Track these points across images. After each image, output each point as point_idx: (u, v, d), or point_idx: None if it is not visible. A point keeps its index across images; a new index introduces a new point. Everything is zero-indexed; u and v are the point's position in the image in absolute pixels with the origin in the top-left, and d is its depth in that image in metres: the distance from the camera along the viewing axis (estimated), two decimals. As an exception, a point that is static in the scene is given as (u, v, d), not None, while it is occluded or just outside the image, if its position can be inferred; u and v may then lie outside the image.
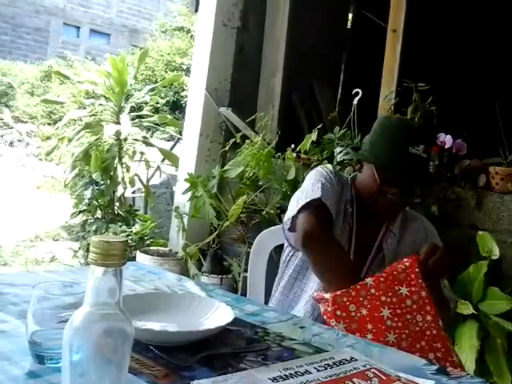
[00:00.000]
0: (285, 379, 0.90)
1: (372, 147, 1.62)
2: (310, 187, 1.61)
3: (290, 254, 1.70)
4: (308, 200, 1.57)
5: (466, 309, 2.42)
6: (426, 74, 3.19)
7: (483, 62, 4.77)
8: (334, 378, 0.93)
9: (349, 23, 5.39)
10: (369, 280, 1.37)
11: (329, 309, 1.37)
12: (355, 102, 3.22)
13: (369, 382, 0.93)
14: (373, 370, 0.97)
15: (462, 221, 2.83)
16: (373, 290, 1.35)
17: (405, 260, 1.40)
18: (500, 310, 2.41)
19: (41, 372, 0.88)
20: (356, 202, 1.65)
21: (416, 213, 1.79)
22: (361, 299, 1.35)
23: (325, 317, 1.38)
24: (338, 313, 1.35)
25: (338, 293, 1.36)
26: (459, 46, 4.72)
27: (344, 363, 0.99)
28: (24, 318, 0.96)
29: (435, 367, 1.07)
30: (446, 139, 2.94)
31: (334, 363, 0.99)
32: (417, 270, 1.37)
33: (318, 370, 0.95)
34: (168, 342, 1.02)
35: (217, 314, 1.16)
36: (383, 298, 1.34)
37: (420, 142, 1.53)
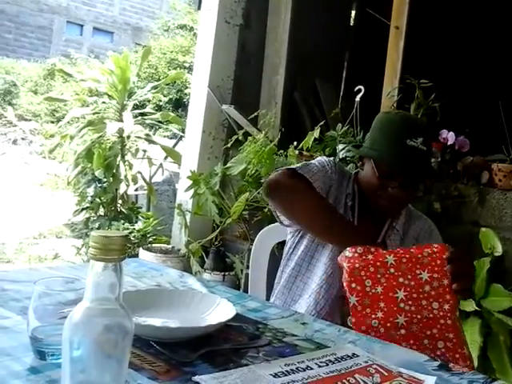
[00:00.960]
0: (286, 375, 0.90)
1: (371, 143, 1.62)
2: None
3: (292, 247, 1.69)
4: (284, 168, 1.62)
5: (469, 305, 2.42)
6: (428, 71, 3.19)
7: (486, 58, 4.76)
8: (335, 373, 0.93)
9: (351, 20, 5.38)
10: (390, 258, 1.33)
11: (347, 277, 1.36)
12: (358, 98, 3.22)
13: (370, 377, 0.93)
14: (374, 366, 0.97)
15: (465, 217, 2.83)
16: (392, 270, 1.32)
17: (434, 245, 1.36)
18: (503, 306, 2.41)
19: (42, 368, 0.88)
20: (358, 198, 1.64)
21: (421, 213, 1.77)
22: (378, 276, 1.32)
23: (344, 284, 1.36)
24: (353, 285, 1.33)
25: (357, 265, 1.33)
26: (462, 42, 4.71)
27: (346, 359, 0.99)
28: (25, 314, 0.97)
29: (437, 363, 1.07)
30: (449, 136, 2.94)
31: (336, 359, 0.99)
32: (444, 256, 1.32)
33: (320, 366, 0.95)
34: (169, 338, 1.02)
35: (218, 310, 1.16)
36: (401, 280, 1.32)
37: (418, 135, 1.51)
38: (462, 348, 1.33)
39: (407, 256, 1.33)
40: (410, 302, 1.31)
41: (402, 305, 1.31)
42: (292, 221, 1.62)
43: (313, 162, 1.65)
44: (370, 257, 1.35)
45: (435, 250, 1.34)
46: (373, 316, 1.31)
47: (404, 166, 1.52)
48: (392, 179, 1.53)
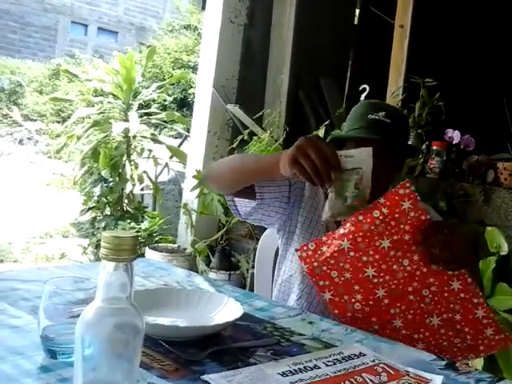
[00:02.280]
0: (294, 374, 0.91)
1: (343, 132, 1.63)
2: None
3: (281, 249, 1.67)
4: None
5: (475, 304, 2.42)
6: (433, 70, 3.19)
7: (491, 57, 4.74)
8: (342, 372, 0.94)
9: (356, 19, 5.38)
10: (345, 243, 1.26)
11: (311, 278, 1.31)
12: (362, 98, 3.22)
13: (377, 376, 0.93)
14: (381, 365, 0.97)
15: (470, 216, 2.83)
16: (352, 253, 1.27)
17: (384, 200, 1.24)
18: (509, 305, 2.40)
19: (53, 366, 0.89)
20: None
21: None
22: (341, 264, 1.28)
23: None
24: (321, 283, 1.29)
25: (315, 264, 1.28)
26: (467, 41, 4.70)
27: (353, 358, 1.00)
28: (35, 314, 0.98)
29: (444, 362, 1.07)
30: (454, 135, 2.94)
31: (343, 358, 0.99)
32: (397, 210, 1.24)
33: (327, 365, 0.96)
34: (178, 337, 1.03)
35: (226, 309, 1.17)
36: (365, 259, 1.27)
37: (380, 110, 1.50)
38: (448, 286, 1.29)
39: (361, 234, 1.26)
40: (381, 274, 1.28)
41: (375, 280, 1.28)
42: (229, 184, 1.54)
43: None
44: (324, 249, 1.29)
45: (386, 211, 1.24)
46: (353, 300, 1.30)
47: (366, 135, 1.49)
48: None
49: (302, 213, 1.60)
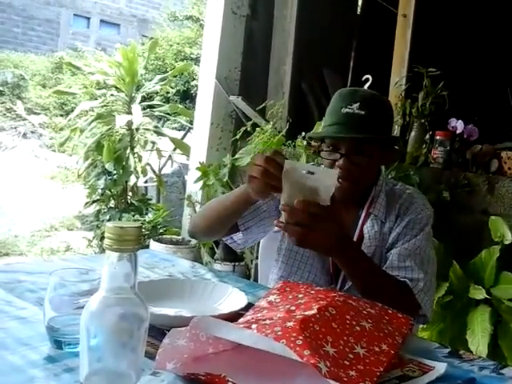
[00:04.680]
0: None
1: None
2: None
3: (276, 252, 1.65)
4: None
5: (479, 293, 2.42)
6: (436, 59, 3.17)
7: (495, 46, 4.72)
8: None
9: (358, 9, 5.36)
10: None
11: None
12: (365, 88, 3.21)
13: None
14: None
15: (474, 206, 2.82)
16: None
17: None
18: (513, 294, 2.41)
19: (59, 357, 0.90)
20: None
21: (406, 188, 1.55)
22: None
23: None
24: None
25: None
26: (471, 30, 4.67)
27: (356, 346, 1.00)
28: (41, 305, 0.99)
29: (447, 350, 1.08)
30: (458, 124, 2.93)
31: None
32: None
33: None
34: (183, 327, 1.04)
35: (230, 299, 1.18)
36: None
37: (354, 101, 1.40)
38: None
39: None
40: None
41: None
42: (212, 229, 1.54)
43: None
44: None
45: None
46: None
47: (338, 132, 1.42)
48: (335, 151, 1.43)
49: None
